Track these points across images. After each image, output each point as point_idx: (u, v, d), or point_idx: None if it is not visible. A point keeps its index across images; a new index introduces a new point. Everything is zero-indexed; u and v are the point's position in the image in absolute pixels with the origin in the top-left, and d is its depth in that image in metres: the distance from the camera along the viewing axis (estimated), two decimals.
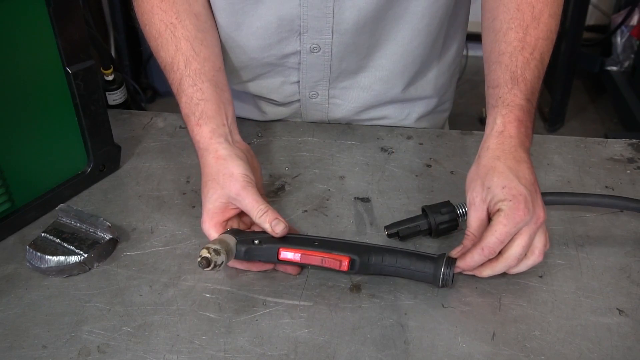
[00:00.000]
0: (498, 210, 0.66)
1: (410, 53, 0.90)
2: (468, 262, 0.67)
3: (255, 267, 0.72)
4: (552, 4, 0.75)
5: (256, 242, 0.69)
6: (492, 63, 0.75)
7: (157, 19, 0.81)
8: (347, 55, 0.89)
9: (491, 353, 0.63)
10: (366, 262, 0.68)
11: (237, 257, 0.68)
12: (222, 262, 0.65)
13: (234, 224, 0.73)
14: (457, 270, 0.68)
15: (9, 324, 0.67)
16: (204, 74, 0.78)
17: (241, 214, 0.74)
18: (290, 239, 0.70)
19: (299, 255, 0.68)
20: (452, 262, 0.67)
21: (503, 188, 0.66)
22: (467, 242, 0.69)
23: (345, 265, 0.67)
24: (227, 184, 0.71)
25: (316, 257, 0.68)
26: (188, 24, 0.81)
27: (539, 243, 0.67)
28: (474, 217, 0.69)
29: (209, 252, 0.64)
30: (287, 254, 0.68)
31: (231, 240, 0.68)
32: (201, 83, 0.78)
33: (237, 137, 0.78)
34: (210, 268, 0.64)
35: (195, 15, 0.82)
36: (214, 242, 0.67)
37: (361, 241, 0.73)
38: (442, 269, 0.67)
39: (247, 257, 0.68)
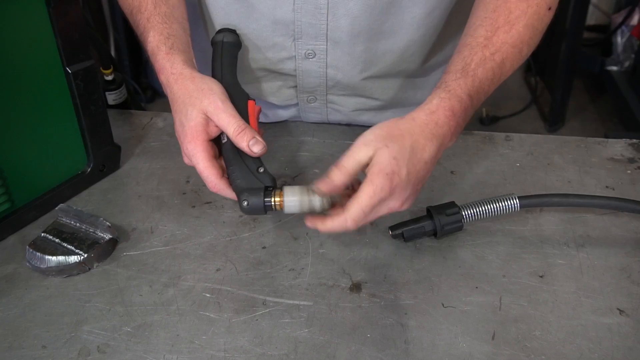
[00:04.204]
0: (371, 177, 0.64)
1: (406, 61, 0.89)
2: (328, 227, 0.66)
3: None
4: (531, 16, 0.74)
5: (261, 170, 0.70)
6: (454, 52, 0.75)
7: None
8: (343, 67, 0.88)
9: (491, 353, 0.63)
10: None
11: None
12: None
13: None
14: (309, 224, 0.68)
15: (9, 324, 0.67)
16: (173, 16, 0.78)
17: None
18: None
19: None
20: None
21: (393, 159, 0.64)
22: (335, 175, 0.65)
23: None
24: (207, 97, 0.70)
25: None
26: None
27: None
28: (355, 156, 0.65)
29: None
30: None
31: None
32: (170, 23, 0.77)
33: None
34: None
35: None
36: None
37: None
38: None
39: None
